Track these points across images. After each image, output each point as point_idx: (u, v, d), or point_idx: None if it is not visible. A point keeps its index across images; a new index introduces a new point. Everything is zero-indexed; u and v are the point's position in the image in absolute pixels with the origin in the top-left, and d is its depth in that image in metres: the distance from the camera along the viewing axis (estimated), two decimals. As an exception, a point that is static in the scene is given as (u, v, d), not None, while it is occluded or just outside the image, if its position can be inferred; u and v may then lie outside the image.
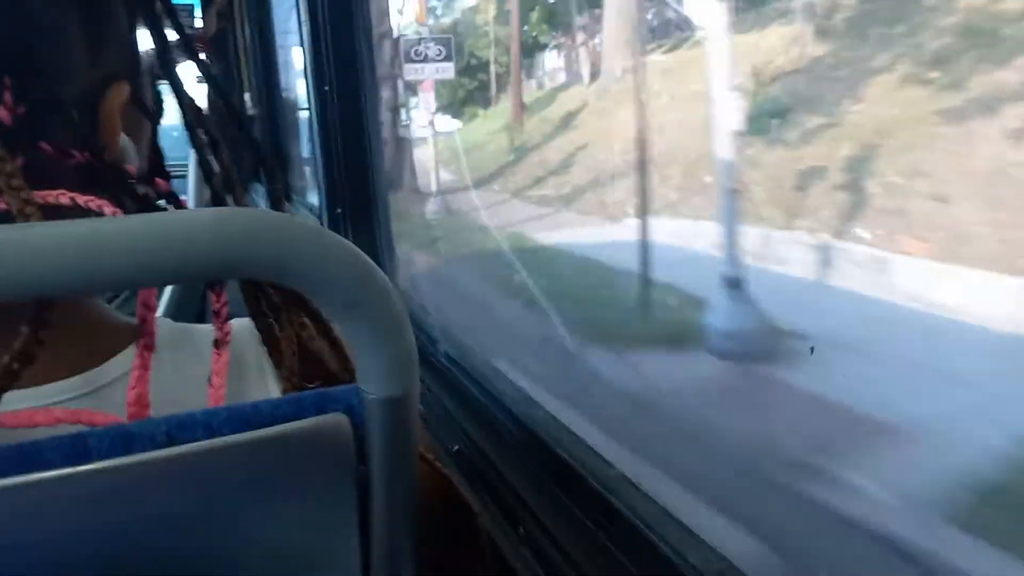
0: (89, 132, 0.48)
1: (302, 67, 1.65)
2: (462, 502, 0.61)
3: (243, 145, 0.59)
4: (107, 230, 0.35)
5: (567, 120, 6.18)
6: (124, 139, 0.51)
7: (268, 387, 0.55)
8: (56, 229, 0.34)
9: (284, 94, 3.02)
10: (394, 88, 5.07)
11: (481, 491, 0.68)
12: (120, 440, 0.40)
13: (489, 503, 0.66)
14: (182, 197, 0.54)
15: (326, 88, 1.44)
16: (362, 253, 0.40)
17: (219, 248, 0.36)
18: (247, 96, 3.23)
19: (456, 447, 0.76)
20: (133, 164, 0.51)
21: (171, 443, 0.41)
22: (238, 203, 0.57)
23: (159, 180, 0.51)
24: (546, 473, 0.64)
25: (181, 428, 0.41)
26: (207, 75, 0.56)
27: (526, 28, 8.18)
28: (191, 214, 0.36)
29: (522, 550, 0.60)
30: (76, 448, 0.39)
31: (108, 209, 0.46)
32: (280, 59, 2.98)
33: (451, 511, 0.64)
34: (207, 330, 0.54)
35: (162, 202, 0.54)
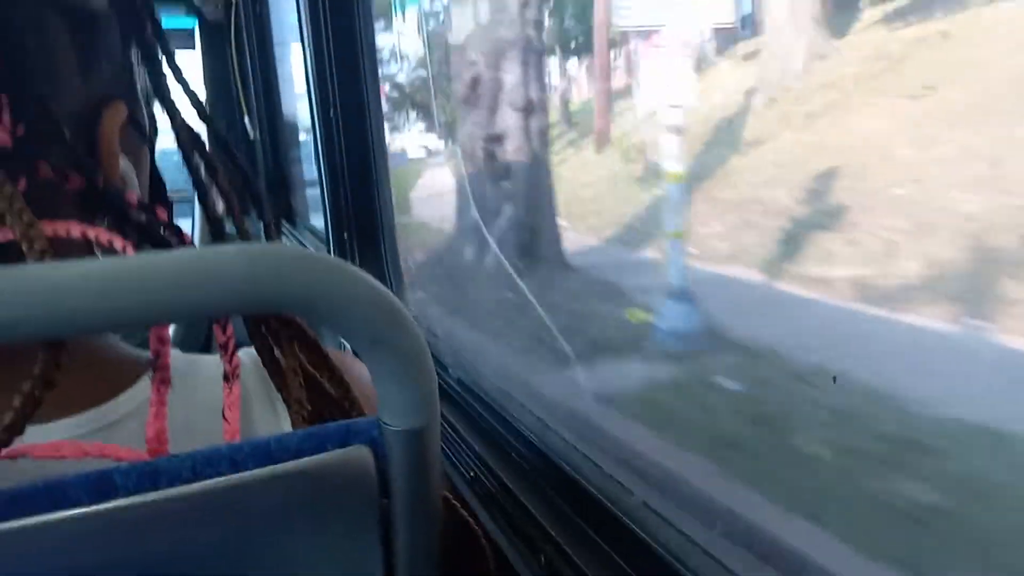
0: (88, 154, 0.47)
1: (304, 90, 1.65)
2: (475, 538, 0.61)
3: (234, 172, 0.58)
4: (134, 267, 0.35)
5: (728, 133, 3.41)
6: (125, 164, 0.50)
7: (278, 418, 0.55)
8: (85, 267, 0.34)
9: (286, 117, 3.04)
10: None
11: (499, 519, 0.68)
12: (147, 476, 0.40)
13: (508, 531, 0.66)
14: (183, 223, 0.53)
15: (330, 114, 1.44)
16: (386, 289, 0.40)
17: (247, 284, 0.36)
18: (247, 120, 3.24)
19: (472, 473, 0.75)
20: (134, 190, 0.51)
21: (196, 478, 0.41)
22: (239, 230, 0.57)
23: (160, 210, 0.50)
24: (566, 500, 0.64)
25: (206, 463, 0.41)
26: (192, 99, 0.56)
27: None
28: (218, 250, 0.36)
29: (544, 579, 0.59)
30: (102, 484, 0.39)
31: (119, 243, 0.46)
32: (281, 83, 3.00)
33: (466, 546, 0.63)
34: (212, 362, 0.54)
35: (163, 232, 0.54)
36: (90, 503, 0.38)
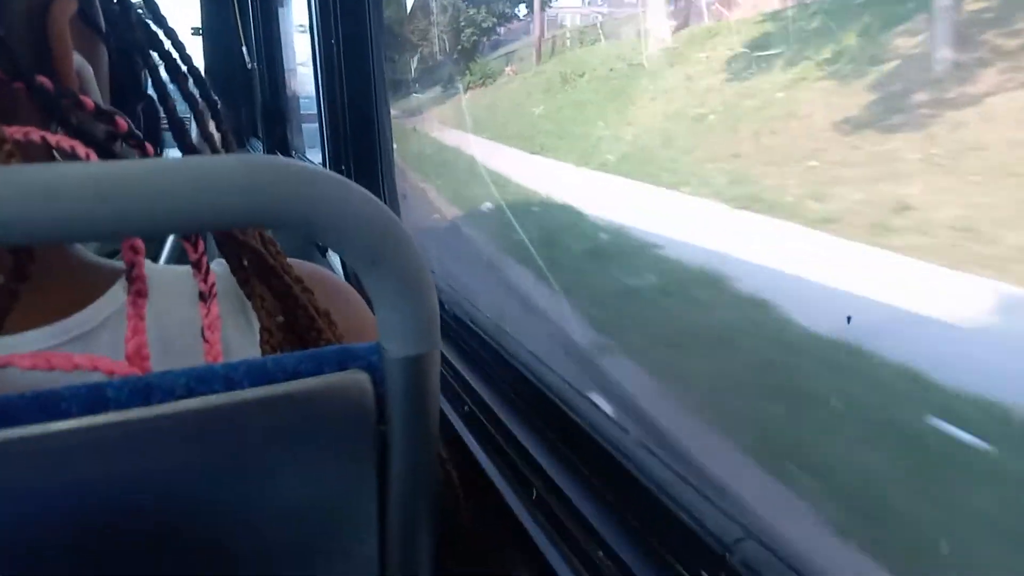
0: (37, 53, 0.46)
1: (306, 20, 1.62)
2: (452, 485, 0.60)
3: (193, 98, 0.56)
4: (124, 173, 0.33)
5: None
6: (80, 62, 0.48)
7: (254, 335, 0.53)
8: (71, 170, 0.33)
9: (284, 48, 2.98)
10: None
11: (492, 453, 0.68)
12: (139, 391, 0.39)
13: (501, 465, 0.66)
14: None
15: (332, 42, 1.41)
16: (387, 208, 0.39)
17: (244, 197, 0.35)
18: (244, 50, 3.18)
19: (466, 407, 0.75)
20: (92, 94, 0.49)
21: (190, 395, 0.40)
22: (204, 136, 0.55)
23: (119, 120, 0.48)
24: (559, 436, 0.64)
25: (200, 381, 0.41)
26: (155, 17, 0.54)
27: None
28: (214, 160, 0.35)
29: (535, 513, 0.59)
30: (94, 397, 0.38)
31: (80, 151, 0.45)
32: (281, 13, 2.94)
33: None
34: (183, 274, 0.52)
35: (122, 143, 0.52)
36: (81, 415, 0.37)
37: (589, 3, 6.11)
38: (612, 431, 0.59)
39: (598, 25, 5.67)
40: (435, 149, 5.27)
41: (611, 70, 4.97)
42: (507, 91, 6.36)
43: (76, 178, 0.32)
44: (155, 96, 0.55)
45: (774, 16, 3.46)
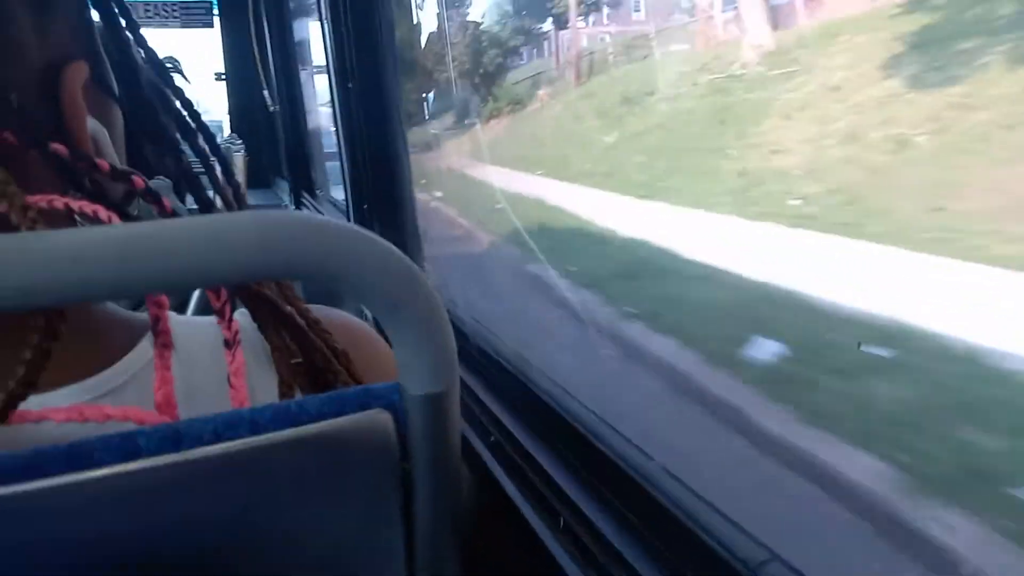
0: (52, 119, 0.46)
1: (323, 62, 1.65)
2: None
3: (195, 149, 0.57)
4: (146, 235, 0.35)
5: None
6: (95, 126, 0.49)
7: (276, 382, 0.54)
8: (97, 233, 0.34)
9: (304, 89, 3.03)
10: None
11: (519, 483, 0.68)
12: (169, 438, 0.40)
13: (528, 495, 0.66)
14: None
15: (349, 85, 1.44)
16: (403, 254, 0.40)
17: (261, 251, 0.36)
18: (266, 93, 3.24)
19: (492, 438, 0.76)
20: (108, 156, 0.50)
21: (218, 440, 0.41)
22: (219, 193, 0.57)
23: (136, 179, 0.48)
24: (585, 465, 0.64)
25: (228, 426, 0.42)
26: (149, 57, 0.54)
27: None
28: (231, 217, 0.37)
29: (564, 542, 0.60)
30: (126, 446, 0.40)
31: (103, 214, 0.46)
32: (300, 55, 2.99)
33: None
34: (207, 324, 0.54)
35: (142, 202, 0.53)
36: (114, 464, 0.38)
37: (593, 22, 5.59)
38: (637, 458, 0.59)
39: (649, 37, 4.65)
40: (486, 194, 3.66)
41: (694, 84, 3.74)
42: (546, 118, 5.30)
43: (101, 241, 0.34)
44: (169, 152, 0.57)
45: (922, 4, 2.48)
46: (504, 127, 5.45)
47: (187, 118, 0.55)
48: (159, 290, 0.37)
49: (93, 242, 0.33)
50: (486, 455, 0.75)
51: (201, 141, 0.55)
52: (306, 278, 0.37)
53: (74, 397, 0.47)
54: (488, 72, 5.98)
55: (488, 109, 5.63)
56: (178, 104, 0.55)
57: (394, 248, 0.39)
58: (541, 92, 5.76)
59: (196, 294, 2.04)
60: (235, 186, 0.58)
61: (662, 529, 0.53)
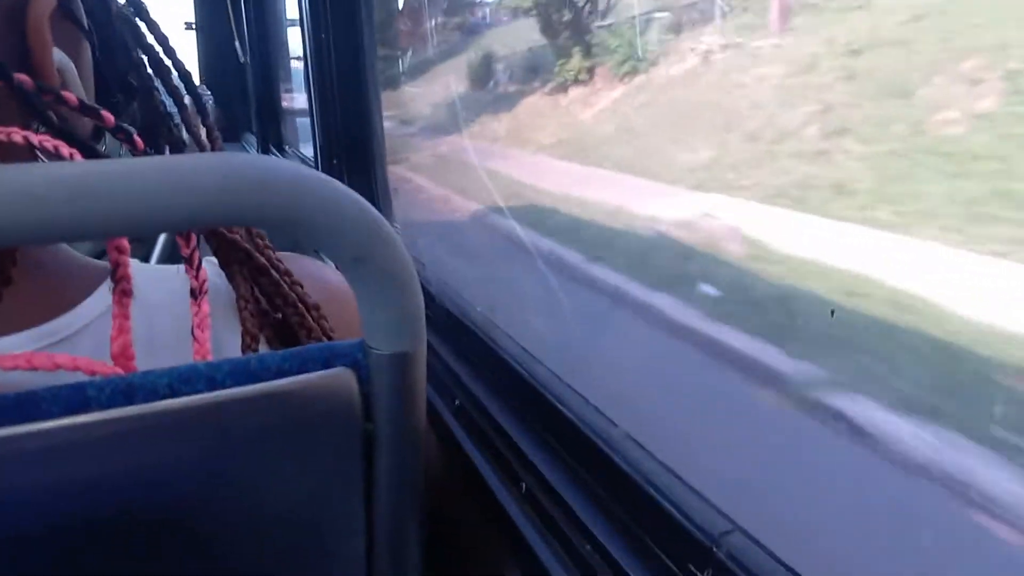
0: (16, 49, 0.45)
1: (297, 14, 1.61)
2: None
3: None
4: (101, 173, 0.33)
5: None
6: (62, 60, 0.48)
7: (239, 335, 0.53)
8: (52, 170, 0.33)
9: (277, 43, 2.97)
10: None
11: (482, 448, 0.68)
12: (121, 391, 0.39)
13: (491, 460, 0.66)
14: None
15: (323, 35, 1.41)
16: (371, 206, 0.39)
17: (224, 195, 0.35)
18: (237, 44, 3.17)
19: (456, 402, 0.75)
20: (77, 91, 0.48)
21: (173, 395, 0.40)
22: (191, 134, 0.55)
23: (106, 114, 0.47)
24: (549, 430, 0.64)
25: (183, 381, 0.41)
26: (138, 11, 0.53)
27: None
28: (196, 159, 0.35)
29: (525, 508, 0.60)
30: (75, 398, 0.38)
31: (64, 150, 0.45)
32: (274, 6, 2.93)
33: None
34: (172, 273, 0.52)
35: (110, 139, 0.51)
36: (62, 416, 0.37)
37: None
38: (601, 424, 0.59)
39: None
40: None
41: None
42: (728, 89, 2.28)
43: (57, 178, 0.32)
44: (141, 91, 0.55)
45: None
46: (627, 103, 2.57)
47: (161, 55, 0.53)
48: (116, 233, 0.35)
49: (47, 179, 0.32)
50: (450, 419, 0.74)
51: (175, 80, 0.54)
52: (270, 225, 0.36)
53: (26, 344, 0.45)
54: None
55: (572, 68, 2.82)
56: (152, 40, 0.53)
57: (361, 199, 0.38)
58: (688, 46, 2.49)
59: (160, 241, 2.00)
60: (209, 127, 0.56)
61: (623, 496, 0.53)
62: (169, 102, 0.55)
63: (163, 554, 0.42)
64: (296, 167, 0.36)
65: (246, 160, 0.35)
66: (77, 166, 0.34)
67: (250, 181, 0.35)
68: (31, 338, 0.45)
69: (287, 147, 2.82)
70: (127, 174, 0.33)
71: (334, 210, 0.37)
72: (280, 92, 2.96)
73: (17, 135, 0.44)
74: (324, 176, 0.37)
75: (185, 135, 0.55)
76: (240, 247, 0.51)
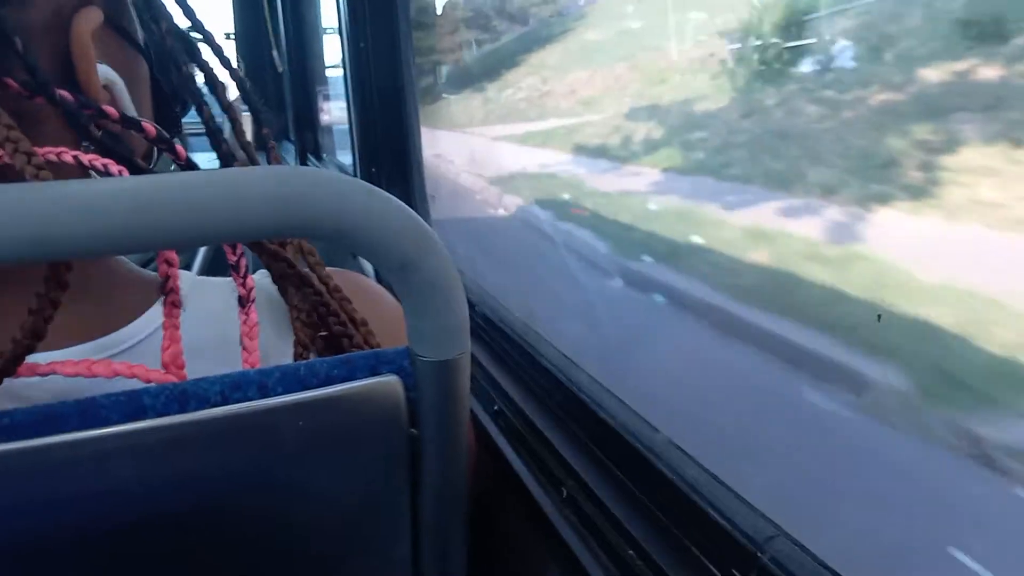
0: (61, 66, 0.46)
1: (335, 23, 1.63)
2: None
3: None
4: (156, 188, 0.34)
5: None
6: (109, 75, 0.48)
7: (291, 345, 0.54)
8: (103, 185, 0.34)
9: (313, 52, 3.00)
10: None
11: (523, 453, 0.68)
12: (175, 399, 0.40)
13: (531, 465, 0.66)
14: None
15: (361, 45, 1.42)
16: (415, 214, 0.39)
17: (273, 207, 0.35)
18: (275, 54, 3.21)
19: (496, 407, 0.76)
20: (125, 107, 0.49)
21: (224, 402, 0.41)
22: (244, 149, 0.56)
23: (147, 125, 0.48)
24: (589, 436, 0.64)
25: (235, 388, 0.42)
26: (182, 7, 0.54)
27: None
28: (244, 172, 0.36)
29: (566, 512, 0.60)
30: (132, 405, 0.39)
31: (113, 168, 0.46)
32: (311, 16, 2.96)
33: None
34: (222, 284, 0.53)
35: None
36: (119, 423, 0.38)
37: None
38: (642, 430, 0.59)
39: None
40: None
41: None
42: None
43: (108, 194, 0.33)
44: (192, 104, 0.56)
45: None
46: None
47: (215, 69, 0.54)
48: (167, 246, 0.36)
49: (99, 194, 0.33)
50: (489, 424, 0.74)
51: (229, 94, 0.55)
52: (319, 235, 0.36)
53: (87, 355, 0.46)
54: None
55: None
56: (209, 52, 0.54)
57: (406, 207, 0.38)
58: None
59: (201, 253, 2.03)
60: (265, 137, 0.57)
61: (666, 502, 0.53)
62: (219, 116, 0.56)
63: (215, 557, 0.43)
64: (343, 178, 0.37)
65: (293, 172, 0.36)
66: (128, 181, 0.35)
67: (298, 193, 0.35)
68: (94, 349, 0.47)
69: (324, 155, 2.85)
70: (176, 188, 0.34)
71: (381, 219, 0.38)
72: (317, 101, 2.99)
73: (67, 155, 0.45)
74: (370, 186, 0.38)
75: (239, 151, 0.56)
76: (283, 259, 0.52)
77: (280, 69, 3.16)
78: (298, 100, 2.95)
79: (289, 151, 3.12)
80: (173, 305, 0.48)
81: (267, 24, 3.23)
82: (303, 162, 2.85)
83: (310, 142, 2.90)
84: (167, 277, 0.48)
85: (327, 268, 0.56)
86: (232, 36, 3.72)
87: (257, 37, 3.32)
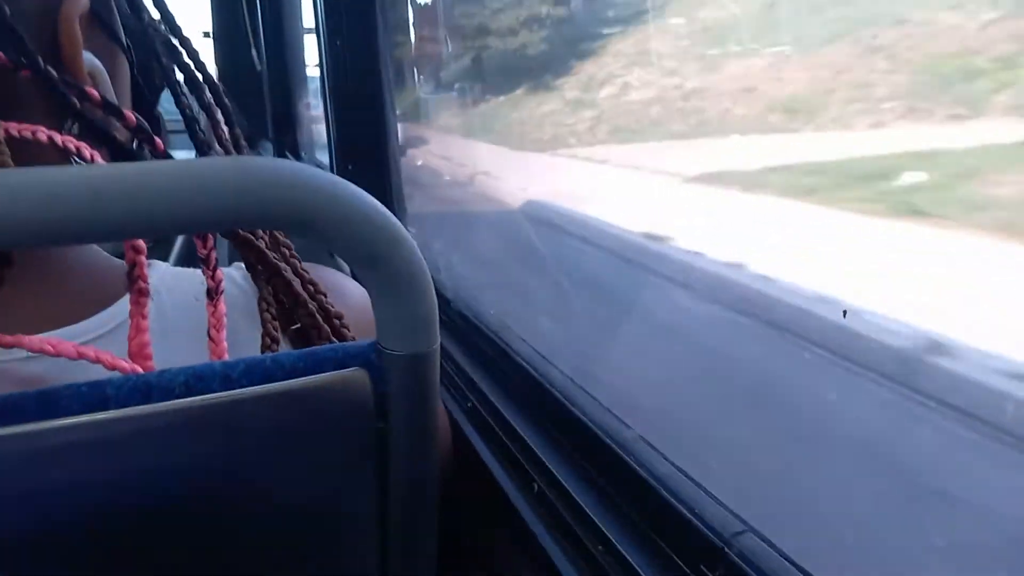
0: (48, 46, 0.46)
1: (312, 21, 1.62)
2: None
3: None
4: (121, 176, 0.34)
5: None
6: (94, 64, 0.49)
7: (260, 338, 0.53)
8: (66, 173, 0.33)
9: (292, 50, 2.99)
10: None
11: (495, 449, 0.68)
12: (138, 390, 0.40)
13: (503, 461, 0.66)
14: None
15: (338, 42, 1.42)
16: (385, 208, 0.39)
17: (240, 198, 0.35)
18: (253, 52, 3.19)
19: (469, 404, 0.76)
20: (107, 95, 0.50)
21: (189, 394, 0.41)
22: (219, 140, 0.56)
23: (128, 113, 0.48)
24: (561, 432, 0.64)
25: (199, 379, 0.41)
26: (171, 27, 0.54)
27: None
28: (212, 162, 0.36)
29: (536, 507, 0.60)
30: (94, 396, 0.39)
31: (86, 152, 0.46)
32: (290, 15, 2.95)
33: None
34: (199, 275, 0.53)
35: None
36: (81, 413, 0.38)
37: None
38: (613, 425, 0.59)
39: None
40: None
41: None
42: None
43: (74, 181, 0.33)
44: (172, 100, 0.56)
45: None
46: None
47: (193, 68, 0.54)
48: (133, 234, 0.36)
49: (59, 182, 0.32)
50: (463, 420, 0.74)
51: (207, 94, 0.55)
52: (285, 227, 0.36)
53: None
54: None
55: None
56: (184, 54, 0.54)
57: (375, 201, 0.38)
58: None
59: (178, 243, 2.01)
60: (236, 136, 0.57)
61: (636, 497, 0.53)
62: (196, 110, 0.56)
63: (179, 550, 0.43)
64: (310, 170, 0.37)
65: (261, 163, 0.36)
66: (94, 169, 0.34)
67: (265, 183, 0.35)
68: (65, 336, 0.46)
69: (303, 153, 2.83)
70: (139, 176, 0.34)
71: (348, 212, 0.37)
72: (296, 99, 2.98)
73: (42, 134, 0.45)
74: (338, 178, 0.37)
75: (216, 144, 0.56)
76: (257, 250, 0.52)
77: (259, 68, 3.14)
78: (277, 99, 2.94)
79: (268, 150, 3.11)
80: (140, 294, 0.47)
81: (246, 23, 3.21)
82: (248, 142, 2.83)
83: (289, 140, 2.89)
84: (133, 265, 0.48)
85: (306, 263, 0.56)
86: (210, 35, 3.69)
87: (236, 36, 3.30)
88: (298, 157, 2.82)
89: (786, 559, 0.44)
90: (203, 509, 0.43)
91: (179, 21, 0.55)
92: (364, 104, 1.43)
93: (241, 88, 3.32)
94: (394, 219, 0.40)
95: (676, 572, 0.48)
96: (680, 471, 0.53)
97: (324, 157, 2.37)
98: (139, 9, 0.52)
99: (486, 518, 0.68)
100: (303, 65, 3.05)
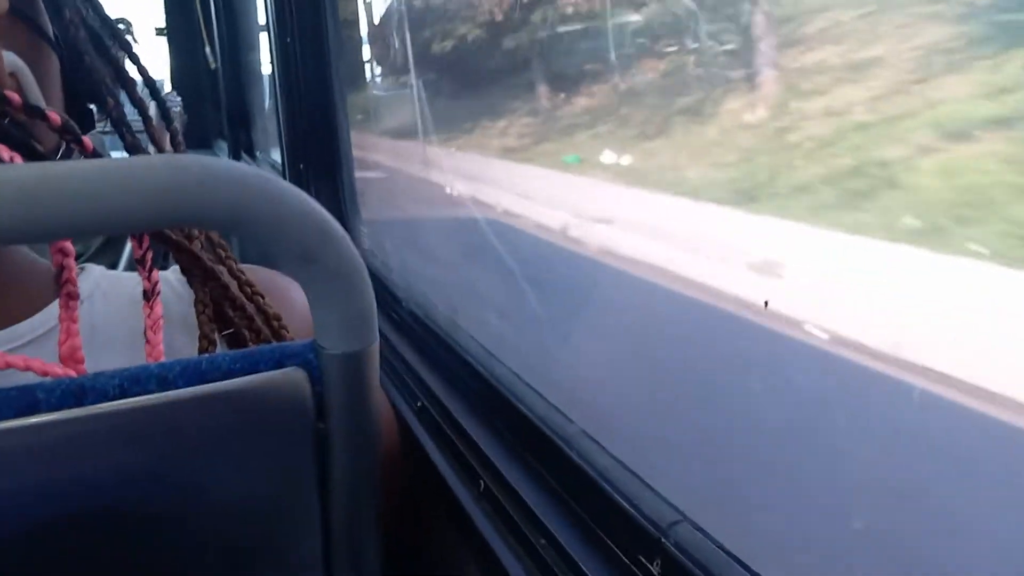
0: None
1: (264, 20, 1.61)
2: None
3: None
4: (42, 176, 0.33)
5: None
6: (16, 64, 0.47)
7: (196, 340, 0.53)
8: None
9: (248, 48, 2.96)
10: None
11: (443, 448, 0.68)
12: (72, 393, 0.39)
13: (452, 460, 0.67)
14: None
15: (288, 40, 1.41)
16: (319, 205, 0.39)
17: (167, 196, 0.35)
18: (208, 50, 3.15)
19: (419, 403, 0.76)
20: (33, 96, 0.48)
21: (124, 396, 0.41)
22: (152, 139, 0.55)
23: (52, 113, 0.47)
24: (508, 429, 0.64)
25: (134, 381, 0.41)
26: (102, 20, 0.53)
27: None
28: (136, 160, 0.35)
29: (483, 505, 0.60)
30: (24, 400, 0.39)
31: (4, 153, 0.45)
32: (244, 12, 2.92)
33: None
34: (135, 277, 0.52)
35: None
36: (11, 418, 0.37)
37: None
38: (557, 421, 0.60)
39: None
40: None
41: None
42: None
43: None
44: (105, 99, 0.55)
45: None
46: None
47: (125, 63, 0.53)
48: (56, 236, 0.35)
49: None
50: (412, 420, 0.74)
51: (140, 89, 0.54)
52: (213, 225, 0.36)
53: None
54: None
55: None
56: (115, 48, 0.53)
57: (309, 199, 0.38)
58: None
59: (128, 249, 1.98)
60: (173, 132, 0.56)
61: (577, 491, 0.54)
62: (132, 110, 0.55)
63: (116, 555, 0.43)
64: (239, 167, 0.37)
65: (187, 160, 0.35)
66: (14, 169, 0.34)
67: (191, 181, 0.35)
68: None
69: (258, 152, 2.81)
70: (63, 176, 0.33)
71: (280, 209, 0.37)
72: (252, 98, 2.95)
73: None
74: (268, 175, 0.37)
75: (149, 143, 0.55)
76: (186, 250, 0.52)
77: (213, 66, 3.10)
78: (232, 98, 2.90)
79: (223, 149, 3.07)
80: (69, 297, 0.46)
81: (200, 20, 3.17)
82: (236, 159, 2.81)
83: (244, 140, 2.86)
84: (61, 268, 0.47)
85: (243, 265, 0.55)
86: (163, 32, 3.64)
87: (190, 33, 3.26)
88: (253, 156, 2.79)
89: (720, 548, 0.45)
90: (142, 512, 0.43)
91: (126, 16, 0.54)
92: (315, 103, 1.42)
93: (196, 86, 3.28)
94: (329, 216, 0.40)
95: (616, 563, 0.49)
96: (619, 462, 0.53)
97: (277, 155, 2.35)
98: (64, 3, 0.51)
99: (434, 517, 0.68)
100: (259, 63, 3.02)
